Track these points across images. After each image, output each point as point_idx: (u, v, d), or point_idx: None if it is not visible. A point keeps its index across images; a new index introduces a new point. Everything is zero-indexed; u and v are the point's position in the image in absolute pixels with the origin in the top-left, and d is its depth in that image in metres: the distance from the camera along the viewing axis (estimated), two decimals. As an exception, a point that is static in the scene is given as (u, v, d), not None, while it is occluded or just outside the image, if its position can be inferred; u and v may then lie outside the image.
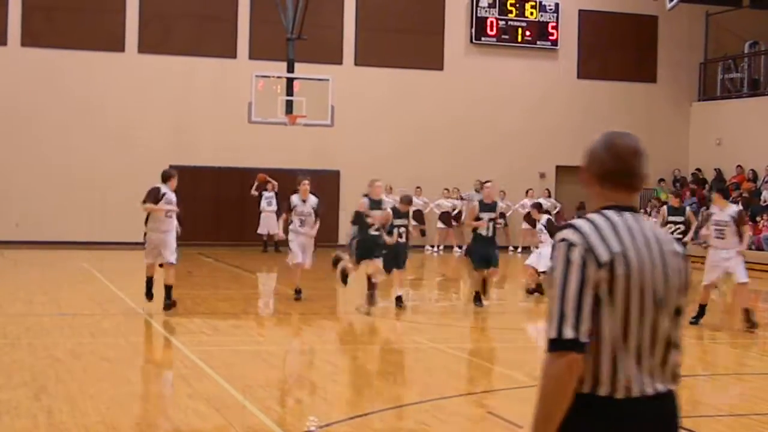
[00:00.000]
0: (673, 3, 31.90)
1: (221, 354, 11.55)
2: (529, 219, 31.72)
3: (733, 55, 33.57)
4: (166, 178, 15.35)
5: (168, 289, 15.01)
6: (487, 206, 16.73)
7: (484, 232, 16.57)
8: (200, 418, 8.99)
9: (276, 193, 28.32)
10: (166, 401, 9.47)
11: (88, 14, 29.66)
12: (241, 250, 28.06)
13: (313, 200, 17.55)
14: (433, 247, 31.03)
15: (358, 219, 16.60)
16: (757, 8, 33.04)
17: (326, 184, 30.87)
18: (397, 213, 16.49)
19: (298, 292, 17.47)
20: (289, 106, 25.42)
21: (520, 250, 31.50)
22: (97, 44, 29.71)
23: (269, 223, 27.95)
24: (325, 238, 30.65)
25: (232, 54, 30.43)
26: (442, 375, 11.13)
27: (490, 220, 16.65)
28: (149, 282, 15.36)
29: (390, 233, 16.16)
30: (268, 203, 28.39)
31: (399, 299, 16.69)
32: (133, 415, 8.80)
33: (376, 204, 16.88)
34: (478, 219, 16.62)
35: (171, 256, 14.98)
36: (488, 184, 17.34)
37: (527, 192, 31.79)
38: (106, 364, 11.20)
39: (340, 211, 30.92)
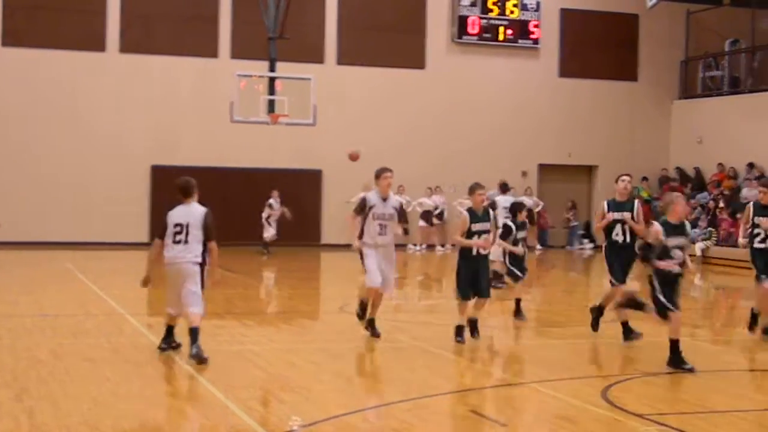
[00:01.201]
0: (653, 2, 32.03)
1: (205, 353, 11.52)
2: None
3: (713, 54, 33.70)
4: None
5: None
6: (480, 217, 13.03)
7: (474, 251, 13.02)
8: (183, 418, 8.99)
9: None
10: (149, 401, 9.46)
11: (69, 14, 29.57)
12: (224, 250, 27.94)
13: (395, 199, 13.75)
14: (415, 245, 31.07)
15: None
16: (738, 6, 33.17)
17: (308, 183, 30.93)
18: None
19: (371, 325, 13.44)
20: (271, 106, 25.44)
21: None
22: (78, 44, 29.64)
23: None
24: (308, 237, 30.79)
25: (213, 53, 30.39)
26: (425, 373, 11.15)
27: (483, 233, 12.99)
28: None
29: None
30: (278, 212, 28.86)
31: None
32: (116, 415, 8.78)
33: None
34: (469, 234, 12.95)
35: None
36: (481, 191, 13.20)
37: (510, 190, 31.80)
38: (88, 364, 11.18)
39: (323, 211, 30.99)
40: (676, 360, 11.21)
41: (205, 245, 11.63)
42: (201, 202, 11.63)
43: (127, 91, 29.88)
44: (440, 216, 31.43)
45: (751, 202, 14.17)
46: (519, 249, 15.77)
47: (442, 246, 31.24)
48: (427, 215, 31.17)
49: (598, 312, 13.82)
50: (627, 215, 13.43)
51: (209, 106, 29.35)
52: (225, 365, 11.29)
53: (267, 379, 10.85)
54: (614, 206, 13.60)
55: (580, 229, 33.67)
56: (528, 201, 31.87)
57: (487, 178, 31.73)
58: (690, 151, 33.26)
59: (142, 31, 29.90)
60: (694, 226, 29.40)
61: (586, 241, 33.32)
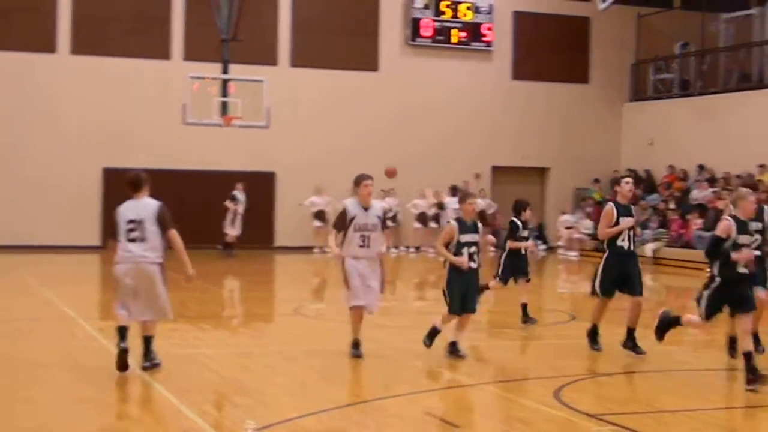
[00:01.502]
0: (605, 5, 32.28)
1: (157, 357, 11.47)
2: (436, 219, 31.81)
3: (663, 56, 34.01)
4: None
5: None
6: (469, 227, 12.17)
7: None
8: (136, 423, 8.94)
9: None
10: (100, 406, 9.40)
11: (19, 15, 29.29)
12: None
13: (378, 208, 12.60)
14: (369, 248, 31.03)
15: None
16: (687, 10, 33.52)
17: (262, 185, 30.84)
18: None
19: (356, 345, 12.19)
20: (224, 108, 25.38)
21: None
22: (28, 45, 29.36)
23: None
24: (262, 239, 30.71)
25: (166, 55, 30.23)
26: (379, 376, 11.17)
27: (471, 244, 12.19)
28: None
29: None
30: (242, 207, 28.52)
31: None
32: (67, 420, 8.72)
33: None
34: (458, 246, 12.05)
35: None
36: (472, 200, 12.39)
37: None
38: (39, 369, 11.08)
39: (276, 213, 30.93)
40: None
41: (163, 241, 11.00)
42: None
43: (79, 93, 29.63)
44: (393, 218, 31.45)
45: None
46: (529, 243, 15.51)
47: (396, 248, 31.28)
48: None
49: (593, 333, 12.88)
50: (632, 220, 12.69)
51: (162, 108, 29.19)
52: (178, 369, 11.24)
53: (221, 382, 10.82)
54: (621, 210, 12.61)
55: (534, 231, 33.81)
56: (481, 203, 32.06)
57: (441, 180, 32.08)
58: (641, 152, 33.56)
59: (94, 33, 29.66)
60: (644, 227, 29.68)
61: (539, 242, 33.49)
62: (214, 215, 30.17)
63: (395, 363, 12.03)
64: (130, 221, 10.83)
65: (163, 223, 10.98)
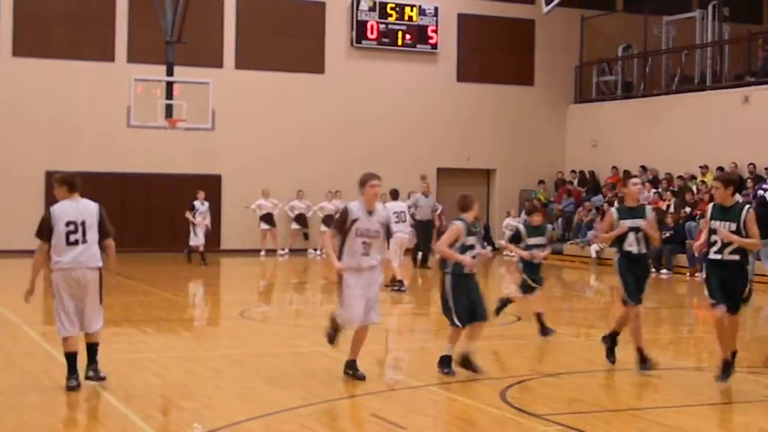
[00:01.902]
0: (549, 7, 32.51)
1: (101, 363, 11.37)
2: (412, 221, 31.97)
3: (607, 59, 34.33)
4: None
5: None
6: (475, 230, 11.45)
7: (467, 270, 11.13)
8: (81, 429, 8.86)
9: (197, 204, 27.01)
10: (45, 412, 9.30)
11: (-41, 17, 28.93)
12: (123, 257, 27.59)
13: (382, 212, 11.30)
14: (316, 250, 31.04)
15: None
16: (630, 12, 33.85)
17: (208, 188, 30.65)
18: None
19: (351, 367, 11.07)
20: (169, 110, 25.22)
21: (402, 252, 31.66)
22: (-32, 47, 29.01)
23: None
24: (208, 242, 30.53)
25: (110, 57, 29.98)
26: (326, 378, 11.15)
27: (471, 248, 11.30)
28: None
29: None
30: (203, 217, 26.93)
31: None
32: (12, 427, 8.62)
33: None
34: (463, 249, 11.14)
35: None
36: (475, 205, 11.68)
37: (409, 194, 31.99)
38: (-19, 375, 10.95)
39: (222, 216, 30.79)
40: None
41: (100, 245, 10.29)
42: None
43: (21, 96, 29.30)
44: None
45: (710, 204, 11.82)
46: (526, 254, 14.07)
47: (343, 250, 31.24)
48: (328, 220, 31.13)
49: (611, 341, 12.18)
50: (642, 222, 11.76)
51: (106, 110, 28.93)
52: (123, 373, 11.16)
53: (166, 386, 10.75)
54: (626, 213, 11.83)
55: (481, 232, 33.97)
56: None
57: (387, 181, 31.94)
58: (585, 154, 33.84)
59: (36, 35, 29.33)
60: (589, 228, 29.93)
61: (485, 243, 33.66)
62: (158, 219, 30.07)
63: (342, 365, 12.01)
64: (70, 222, 10.13)
65: (104, 228, 10.33)
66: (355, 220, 10.75)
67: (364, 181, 10.98)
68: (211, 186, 30.66)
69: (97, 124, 29.41)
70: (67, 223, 10.15)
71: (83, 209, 10.29)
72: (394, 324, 16.88)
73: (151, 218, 30.08)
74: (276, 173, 30.69)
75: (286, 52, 31.58)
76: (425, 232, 27.00)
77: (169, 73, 25.99)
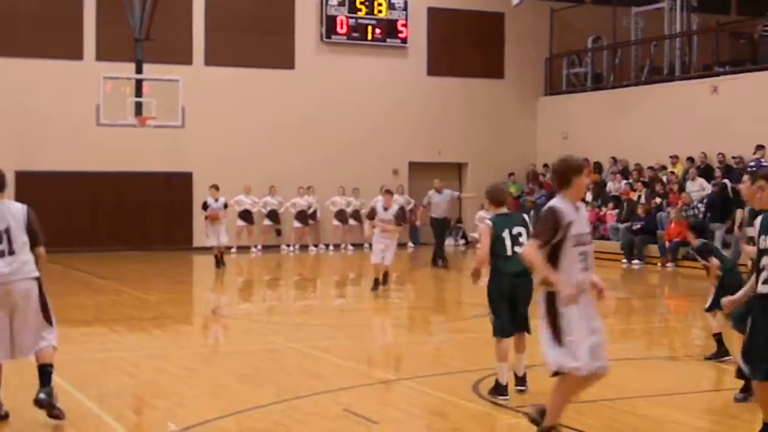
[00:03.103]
0: (518, 0, 32.56)
1: (72, 363, 11.33)
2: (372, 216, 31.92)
3: (576, 51, 34.43)
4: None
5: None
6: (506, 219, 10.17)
7: (512, 268, 9.69)
8: (53, 430, 8.81)
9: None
10: (16, 413, 9.24)
11: (-76, 16, 28.68)
12: (93, 256, 27.52)
13: (584, 207, 13.39)
14: (288, 246, 31.00)
15: None
16: (599, 4, 33.94)
17: (179, 186, 30.58)
18: None
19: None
20: (138, 108, 25.07)
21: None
22: (-66, 47, 28.77)
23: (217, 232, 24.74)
24: (180, 240, 30.46)
25: (78, 56, 29.77)
26: (298, 374, 11.16)
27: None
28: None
29: None
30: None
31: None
32: (-19, 429, 8.57)
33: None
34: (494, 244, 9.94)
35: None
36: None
37: (381, 188, 31.99)
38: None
39: (194, 214, 30.67)
40: None
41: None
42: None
43: (-12, 95, 29.08)
44: (313, 216, 31.45)
45: (747, 209, 10.15)
46: None
47: (316, 246, 31.26)
48: (301, 215, 31.13)
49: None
50: None
51: (75, 109, 28.72)
52: (95, 373, 11.12)
53: (138, 386, 10.72)
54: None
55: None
56: (400, 199, 32.19)
57: (359, 176, 32.12)
58: (556, 146, 33.84)
59: (4, 34, 29.10)
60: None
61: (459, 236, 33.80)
62: (129, 217, 29.93)
63: (314, 361, 12.02)
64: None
65: (33, 235, 8.75)
66: (570, 224, 7.71)
67: (577, 169, 7.99)
68: (182, 184, 30.58)
69: (66, 123, 29.23)
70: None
71: (8, 213, 8.68)
72: (369, 319, 16.91)
73: (122, 217, 29.91)
74: (247, 170, 30.60)
75: (255, 48, 31.48)
76: (440, 229, 26.70)
77: (139, 70, 25.85)
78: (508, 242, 9.86)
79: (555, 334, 7.71)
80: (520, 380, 9.98)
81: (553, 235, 7.59)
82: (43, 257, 8.83)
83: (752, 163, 25.10)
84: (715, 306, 11.42)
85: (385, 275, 19.57)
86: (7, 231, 8.60)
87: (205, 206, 24.89)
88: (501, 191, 10.45)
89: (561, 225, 7.55)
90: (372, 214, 19.41)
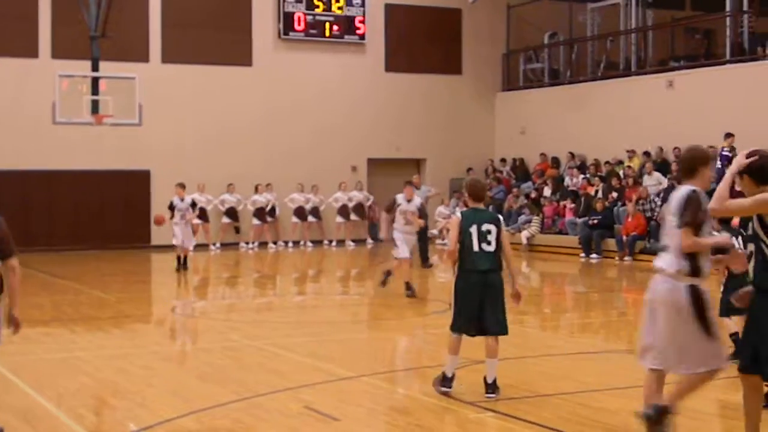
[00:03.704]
0: (475, -4, 32.69)
1: (30, 363, 11.25)
2: (344, 212, 32.06)
3: (533, 47, 34.58)
4: None
5: None
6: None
7: (478, 264, 9.70)
8: (10, 431, 8.75)
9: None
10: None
11: None
12: (51, 256, 27.31)
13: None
14: (247, 243, 30.92)
15: None
16: (555, 0, 34.12)
17: (136, 184, 30.42)
18: None
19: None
20: (95, 106, 24.92)
21: (334, 243, 31.72)
22: None
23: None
24: (138, 238, 30.30)
25: (33, 53, 29.51)
26: (258, 372, 11.15)
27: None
28: None
29: None
30: (182, 215, 23.70)
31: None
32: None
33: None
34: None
35: None
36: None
37: (340, 185, 32.05)
38: None
39: (152, 212, 30.51)
40: None
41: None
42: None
43: (-58, 94, 28.77)
44: (272, 213, 31.39)
45: None
46: None
47: (275, 243, 31.20)
48: (259, 213, 31.07)
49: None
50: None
51: (31, 107, 28.48)
52: (52, 373, 11.05)
53: (97, 386, 10.66)
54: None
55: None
56: (359, 195, 32.23)
57: (318, 173, 32.11)
58: (514, 141, 34.08)
59: (-44, 32, 28.83)
60: (519, 214, 30.17)
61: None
62: (87, 216, 29.73)
63: (274, 358, 12.02)
64: None
65: (2, 244, 7.71)
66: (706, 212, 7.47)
67: (703, 159, 7.65)
68: (139, 181, 30.42)
69: (21, 122, 28.97)
70: None
71: None
72: (328, 316, 16.92)
73: (80, 216, 29.69)
74: (205, 167, 30.49)
75: (212, 45, 31.35)
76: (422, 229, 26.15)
77: (95, 68, 25.68)
78: (474, 238, 9.67)
79: (706, 328, 7.40)
80: (490, 387, 9.69)
81: (699, 219, 7.37)
82: (17, 270, 7.78)
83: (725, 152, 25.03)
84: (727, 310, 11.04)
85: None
86: None
87: (171, 206, 23.63)
88: (482, 187, 10.26)
89: (702, 208, 7.37)
90: (391, 207, 18.19)
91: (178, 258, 23.51)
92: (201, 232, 30.12)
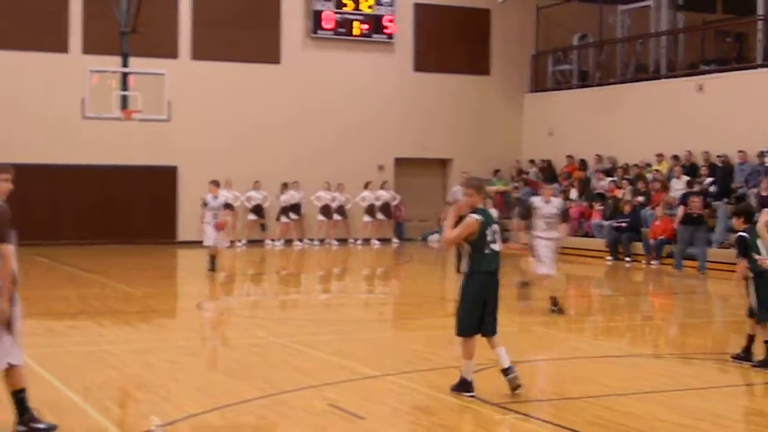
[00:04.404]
0: (504, -3, 32.65)
1: (57, 356, 11.31)
2: (371, 211, 32.05)
3: (562, 48, 34.47)
4: None
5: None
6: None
7: (489, 266, 9.79)
8: (36, 423, 8.79)
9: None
10: (1, 406, 9.23)
11: None
12: (78, 250, 27.46)
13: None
14: (273, 240, 30.97)
15: None
16: (586, 2, 34.01)
17: (163, 180, 30.53)
18: None
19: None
20: (124, 101, 25.01)
21: (360, 242, 31.73)
22: None
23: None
24: (164, 234, 30.41)
25: (64, 48, 29.68)
26: (283, 369, 11.16)
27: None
28: None
29: None
30: (214, 215, 22.05)
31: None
32: (-35, 422, 8.55)
33: None
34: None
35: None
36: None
37: (367, 184, 32.05)
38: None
39: (178, 208, 30.66)
40: None
41: None
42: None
43: (-27, 88, 28.98)
44: (299, 211, 31.43)
45: None
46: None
47: (300, 241, 31.23)
48: (286, 210, 31.11)
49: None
50: None
51: (60, 102, 28.66)
52: (79, 366, 11.10)
53: (123, 379, 10.71)
54: None
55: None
56: (385, 195, 32.23)
57: (345, 171, 32.11)
58: (541, 143, 33.99)
59: (-11, 26, 29.01)
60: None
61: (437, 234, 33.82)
62: (114, 211, 29.87)
63: (299, 356, 12.03)
64: None
65: None
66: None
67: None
68: (167, 177, 30.54)
69: (51, 116, 29.15)
70: None
71: None
72: (353, 314, 16.92)
73: (107, 210, 29.84)
74: (232, 164, 30.57)
75: (241, 43, 31.44)
76: None
77: (125, 64, 25.78)
78: (489, 239, 9.70)
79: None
80: (510, 369, 9.69)
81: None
82: (5, 256, 7.74)
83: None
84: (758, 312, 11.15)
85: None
86: None
87: (204, 204, 22.39)
88: (483, 184, 10.21)
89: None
90: (527, 213, 16.26)
91: (212, 258, 22.00)
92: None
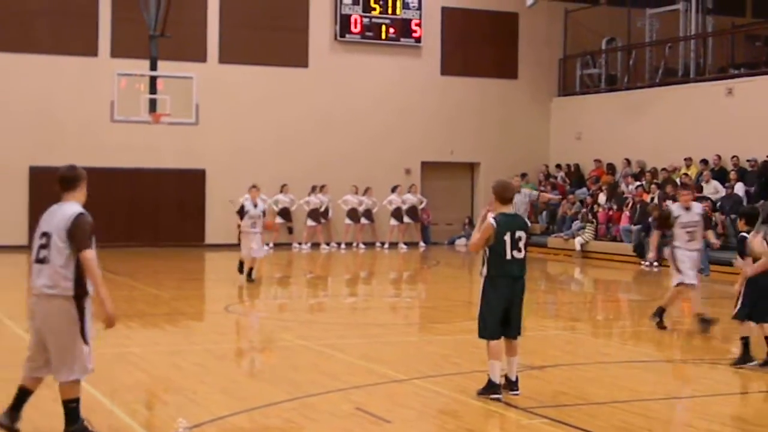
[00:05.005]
0: (532, 1, 32.55)
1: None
2: (397, 215, 32.04)
3: (591, 51, 34.38)
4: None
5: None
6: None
7: (510, 272, 9.74)
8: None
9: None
10: (29, 407, 9.28)
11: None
12: (108, 252, 27.54)
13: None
14: (300, 244, 31.01)
15: None
16: (613, 6, 33.91)
17: (192, 183, 30.65)
18: None
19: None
20: (152, 105, 25.13)
21: (387, 246, 31.73)
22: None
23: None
24: (192, 237, 30.53)
25: (93, 52, 29.86)
26: (310, 372, 11.17)
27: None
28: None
29: None
30: (253, 223, 20.74)
31: None
32: (-5, 422, 8.59)
33: None
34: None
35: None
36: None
37: (394, 188, 32.05)
38: (-35, 371, 10.91)
39: (207, 211, 30.76)
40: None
41: (78, 262, 7.87)
42: (82, 204, 8.87)
43: (4, 91, 29.16)
44: (326, 214, 31.47)
45: None
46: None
47: (327, 244, 31.26)
48: (313, 214, 31.15)
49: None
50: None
51: (89, 105, 28.84)
52: (108, 368, 11.13)
53: (151, 381, 10.75)
54: None
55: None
56: (412, 198, 32.22)
57: (372, 175, 32.14)
58: (569, 147, 33.90)
59: (20, 29, 29.19)
60: (573, 220, 30.00)
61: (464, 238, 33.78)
62: (142, 214, 30.02)
63: (326, 359, 12.04)
64: (43, 234, 7.92)
65: (73, 239, 7.81)
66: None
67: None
68: (195, 181, 30.66)
69: (80, 119, 29.33)
70: (41, 235, 7.97)
71: (57, 216, 7.99)
72: (380, 318, 16.92)
73: (135, 213, 30.01)
74: (260, 167, 30.63)
75: (269, 46, 31.53)
76: None
77: (153, 67, 25.91)
78: (508, 246, 9.63)
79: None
80: (514, 384, 9.80)
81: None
82: (89, 262, 7.92)
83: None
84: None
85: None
86: (47, 236, 7.90)
87: (241, 211, 20.94)
88: (511, 189, 10.02)
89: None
90: (666, 221, 14.72)
91: (241, 263, 21.01)
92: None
